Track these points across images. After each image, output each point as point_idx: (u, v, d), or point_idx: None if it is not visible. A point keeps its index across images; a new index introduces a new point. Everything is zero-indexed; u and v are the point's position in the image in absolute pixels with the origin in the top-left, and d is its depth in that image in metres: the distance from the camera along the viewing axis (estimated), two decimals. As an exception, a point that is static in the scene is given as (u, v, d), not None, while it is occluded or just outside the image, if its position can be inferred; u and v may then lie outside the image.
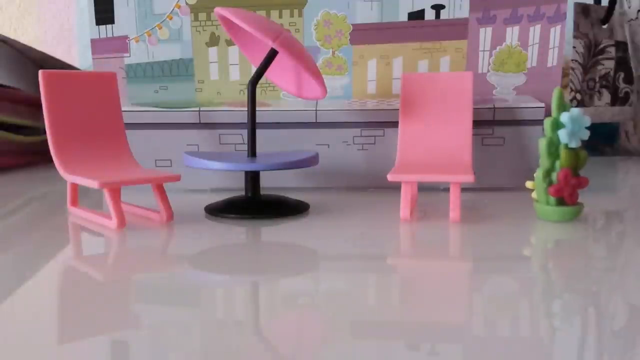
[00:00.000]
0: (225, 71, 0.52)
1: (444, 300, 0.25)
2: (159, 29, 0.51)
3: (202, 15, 0.51)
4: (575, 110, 0.36)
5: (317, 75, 0.41)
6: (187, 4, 0.51)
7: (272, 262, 0.31)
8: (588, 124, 0.36)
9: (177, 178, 0.37)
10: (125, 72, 0.52)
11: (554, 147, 0.37)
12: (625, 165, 0.70)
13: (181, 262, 0.30)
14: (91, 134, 0.41)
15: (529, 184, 0.39)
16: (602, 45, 0.65)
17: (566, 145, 0.36)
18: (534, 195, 0.38)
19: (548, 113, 0.50)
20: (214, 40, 0.51)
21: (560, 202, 0.37)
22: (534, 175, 0.38)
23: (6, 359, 0.19)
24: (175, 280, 0.28)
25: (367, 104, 0.49)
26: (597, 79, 0.66)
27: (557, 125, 0.36)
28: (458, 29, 0.50)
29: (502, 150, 0.48)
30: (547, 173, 0.37)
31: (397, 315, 0.24)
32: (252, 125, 0.41)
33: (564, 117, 0.36)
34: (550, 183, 0.37)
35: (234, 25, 0.42)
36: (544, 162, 0.37)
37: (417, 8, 0.50)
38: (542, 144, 0.37)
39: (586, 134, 0.36)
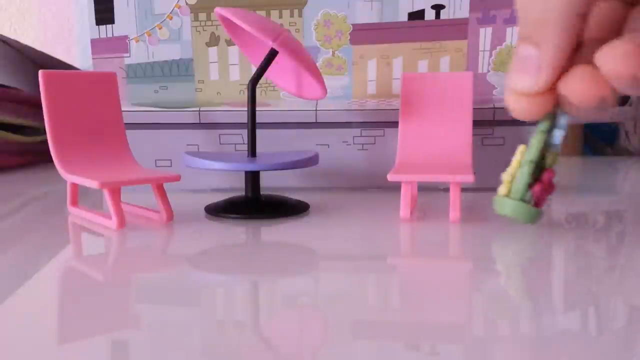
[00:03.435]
0: (225, 71, 0.52)
1: (444, 300, 0.25)
2: (159, 29, 0.51)
3: (202, 15, 0.51)
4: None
5: (317, 75, 0.41)
6: (187, 4, 0.51)
7: (272, 262, 0.31)
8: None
9: (177, 178, 0.37)
10: (125, 72, 0.52)
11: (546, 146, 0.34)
12: (625, 165, 0.70)
13: (181, 262, 0.30)
14: (91, 134, 0.41)
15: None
16: (602, 45, 0.65)
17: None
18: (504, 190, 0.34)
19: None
20: (214, 40, 0.51)
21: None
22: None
23: (6, 359, 0.19)
24: (175, 280, 0.28)
25: (367, 104, 0.49)
26: (597, 79, 0.66)
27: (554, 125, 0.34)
28: (458, 29, 0.50)
29: (502, 150, 0.48)
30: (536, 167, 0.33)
31: (397, 315, 0.24)
32: (252, 125, 0.41)
33: (564, 118, 0.33)
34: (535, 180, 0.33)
35: (234, 25, 0.42)
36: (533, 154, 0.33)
37: (417, 8, 0.50)
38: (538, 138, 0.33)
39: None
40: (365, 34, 0.50)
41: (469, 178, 0.37)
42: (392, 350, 0.20)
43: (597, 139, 0.82)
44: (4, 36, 0.70)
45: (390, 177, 0.38)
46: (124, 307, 0.25)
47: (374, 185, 0.49)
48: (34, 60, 0.74)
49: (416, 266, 0.31)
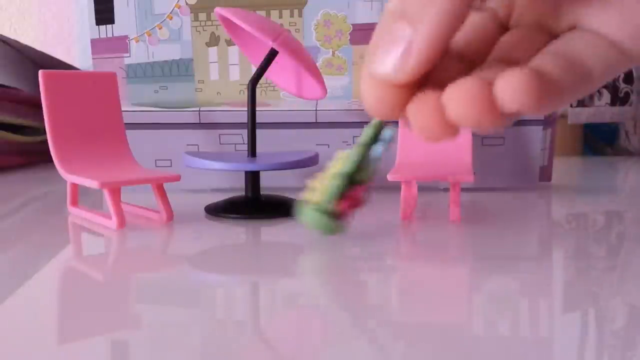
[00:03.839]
0: (225, 71, 0.52)
1: (444, 300, 0.25)
2: (159, 29, 0.51)
3: (202, 15, 0.51)
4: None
5: (317, 75, 0.41)
6: (187, 4, 0.51)
7: (272, 262, 0.31)
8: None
9: (177, 178, 0.37)
10: (125, 72, 0.52)
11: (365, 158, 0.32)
12: (625, 165, 0.70)
13: (181, 262, 0.30)
14: (91, 134, 0.41)
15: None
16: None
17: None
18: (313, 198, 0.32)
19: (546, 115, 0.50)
20: (214, 40, 0.51)
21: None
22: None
23: (6, 359, 0.19)
24: (175, 280, 0.28)
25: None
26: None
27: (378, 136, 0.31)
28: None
29: (502, 150, 0.48)
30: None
31: (397, 315, 0.24)
32: (252, 125, 0.41)
33: (389, 133, 0.31)
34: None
35: (234, 25, 0.42)
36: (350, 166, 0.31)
37: (417, 8, 0.50)
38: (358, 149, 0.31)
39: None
40: (365, 34, 0.50)
41: (469, 178, 0.37)
42: (392, 350, 0.20)
43: (597, 139, 0.82)
44: (4, 36, 0.70)
45: (390, 177, 0.38)
46: (124, 307, 0.25)
47: (374, 185, 0.49)
48: (34, 60, 0.74)
49: (416, 266, 0.31)
